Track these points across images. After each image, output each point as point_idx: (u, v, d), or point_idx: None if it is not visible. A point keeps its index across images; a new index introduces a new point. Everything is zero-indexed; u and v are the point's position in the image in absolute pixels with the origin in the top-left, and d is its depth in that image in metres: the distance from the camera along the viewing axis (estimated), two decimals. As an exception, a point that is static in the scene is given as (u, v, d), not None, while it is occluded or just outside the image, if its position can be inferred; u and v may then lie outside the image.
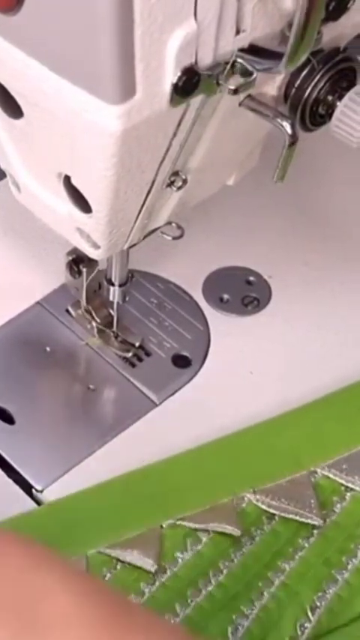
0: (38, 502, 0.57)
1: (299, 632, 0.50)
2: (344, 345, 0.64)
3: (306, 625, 0.50)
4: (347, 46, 0.48)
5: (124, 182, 0.46)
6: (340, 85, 0.47)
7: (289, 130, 0.46)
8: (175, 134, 0.46)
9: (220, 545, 0.53)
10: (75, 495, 0.55)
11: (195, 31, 0.41)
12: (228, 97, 0.45)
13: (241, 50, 0.44)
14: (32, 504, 0.56)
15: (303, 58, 0.42)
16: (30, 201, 0.54)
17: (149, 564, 0.52)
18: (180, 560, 0.52)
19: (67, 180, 0.49)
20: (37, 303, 0.65)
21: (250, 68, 0.43)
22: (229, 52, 0.43)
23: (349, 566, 0.53)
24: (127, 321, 0.63)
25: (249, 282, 0.67)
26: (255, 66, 0.43)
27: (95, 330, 0.62)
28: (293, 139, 0.46)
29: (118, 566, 0.52)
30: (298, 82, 0.47)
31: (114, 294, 0.61)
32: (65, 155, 0.46)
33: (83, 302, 0.62)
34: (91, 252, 0.53)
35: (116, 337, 0.62)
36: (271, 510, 0.54)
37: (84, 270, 0.60)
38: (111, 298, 0.61)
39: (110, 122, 0.42)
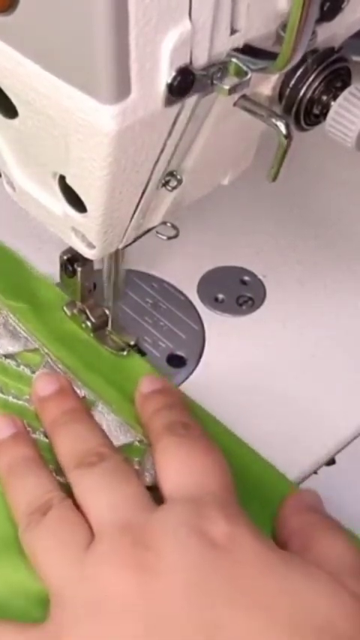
0: None
1: None
2: (339, 344, 0.64)
3: None
4: (341, 46, 0.48)
5: (118, 182, 0.46)
6: (334, 85, 0.47)
7: (283, 129, 0.46)
8: (169, 134, 0.46)
9: None
10: None
11: (189, 31, 0.41)
12: (222, 97, 0.45)
13: (236, 50, 0.44)
14: None
15: (297, 58, 0.42)
16: (25, 201, 0.54)
17: None
18: None
19: (62, 179, 0.49)
20: (32, 302, 0.65)
21: (244, 68, 0.43)
22: (223, 52, 0.43)
23: None
24: (122, 320, 0.63)
25: (244, 282, 0.67)
26: (250, 66, 0.43)
27: (90, 329, 0.62)
28: (287, 139, 0.46)
29: None
30: (293, 81, 0.47)
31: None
32: (60, 155, 0.46)
33: (78, 301, 0.62)
34: (86, 252, 0.53)
35: (111, 337, 0.62)
36: None
37: (79, 269, 0.60)
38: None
39: (105, 122, 0.42)
